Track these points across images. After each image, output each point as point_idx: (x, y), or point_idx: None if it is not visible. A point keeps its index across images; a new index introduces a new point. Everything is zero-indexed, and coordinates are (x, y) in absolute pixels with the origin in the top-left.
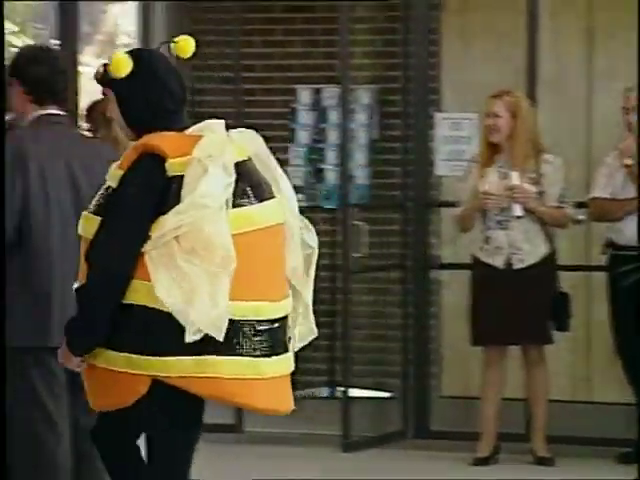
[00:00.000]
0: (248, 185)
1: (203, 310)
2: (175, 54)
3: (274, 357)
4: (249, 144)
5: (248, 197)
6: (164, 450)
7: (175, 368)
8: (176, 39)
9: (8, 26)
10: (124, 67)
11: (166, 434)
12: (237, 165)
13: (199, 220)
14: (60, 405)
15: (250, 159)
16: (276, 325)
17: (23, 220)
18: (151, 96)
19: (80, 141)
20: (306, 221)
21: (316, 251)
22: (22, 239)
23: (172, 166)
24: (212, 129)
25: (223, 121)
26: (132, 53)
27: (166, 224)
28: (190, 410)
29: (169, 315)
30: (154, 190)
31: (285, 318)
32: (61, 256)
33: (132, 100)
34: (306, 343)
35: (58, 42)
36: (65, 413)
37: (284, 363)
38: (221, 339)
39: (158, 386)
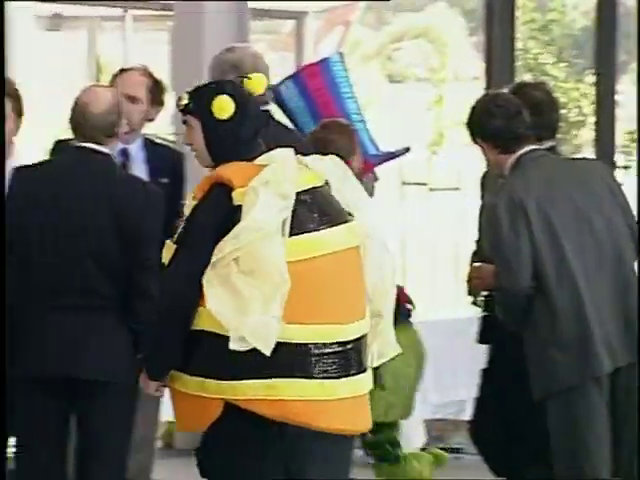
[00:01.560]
0: (317, 211)
1: (252, 322)
2: (248, 89)
3: (345, 378)
4: (327, 171)
5: (315, 223)
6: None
7: (245, 392)
8: (250, 75)
9: (546, 57)
10: (228, 109)
11: (233, 459)
12: (308, 191)
13: (253, 243)
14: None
15: (326, 185)
16: (348, 347)
17: (540, 267)
18: (239, 131)
19: (573, 166)
20: (383, 240)
21: (392, 270)
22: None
23: (237, 196)
24: (277, 158)
25: (291, 150)
26: (230, 85)
27: (224, 248)
28: (259, 436)
29: None
30: (220, 219)
31: (359, 339)
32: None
33: (220, 133)
34: (386, 359)
35: (594, 70)
36: (607, 445)
37: (358, 383)
38: (268, 353)
39: (230, 410)
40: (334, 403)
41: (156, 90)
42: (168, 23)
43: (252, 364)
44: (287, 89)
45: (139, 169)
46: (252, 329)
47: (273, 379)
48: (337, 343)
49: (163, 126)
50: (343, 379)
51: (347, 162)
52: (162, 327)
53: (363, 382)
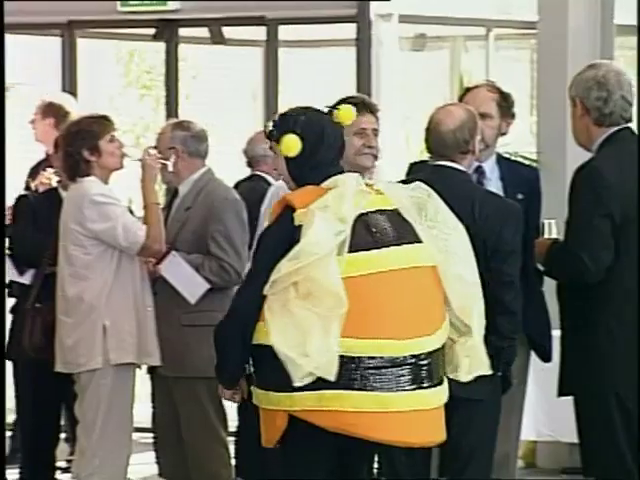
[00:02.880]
0: (377, 232)
1: (314, 356)
2: (337, 120)
3: (404, 392)
4: (396, 196)
5: (372, 242)
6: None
7: (300, 403)
8: (339, 107)
9: None
10: (294, 148)
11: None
12: (371, 213)
13: (310, 266)
14: None
15: (395, 210)
16: (408, 362)
17: None
18: (316, 159)
19: None
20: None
21: (477, 288)
22: None
23: (297, 216)
24: (340, 182)
25: (357, 175)
26: (302, 121)
27: (281, 269)
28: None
29: None
30: (281, 239)
31: (423, 355)
32: None
33: (299, 161)
34: (477, 375)
35: None
36: None
37: (422, 397)
38: (332, 379)
39: (294, 421)
40: (390, 415)
41: (505, 104)
42: (531, 41)
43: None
44: None
45: (494, 186)
46: (316, 364)
47: (324, 390)
48: (394, 358)
49: (521, 144)
50: (400, 392)
51: None
52: (222, 342)
53: (427, 396)
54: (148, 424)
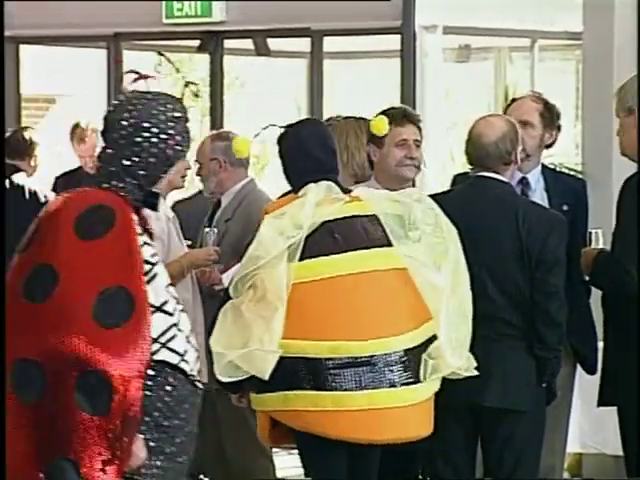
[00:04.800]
0: (340, 237)
1: (250, 354)
2: (372, 131)
3: (365, 391)
4: (377, 203)
5: (333, 247)
6: None
7: (270, 403)
8: (372, 118)
9: None
10: (242, 150)
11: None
12: (338, 220)
13: (260, 270)
14: None
15: (371, 216)
16: (372, 361)
17: None
18: (295, 167)
19: None
20: (440, 260)
21: (444, 290)
22: None
23: None
24: (308, 190)
25: (329, 183)
26: (283, 132)
27: (239, 273)
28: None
29: None
30: None
31: (384, 355)
32: None
33: (285, 169)
34: (444, 375)
35: None
36: None
37: (383, 396)
38: (266, 377)
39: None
40: (351, 413)
41: (549, 114)
42: (576, 52)
43: (272, 378)
44: None
45: (539, 197)
46: (245, 358)
47: (287, 391)
48: (352, 358)
49: (566, 156)
50: (360, 391)
51: None
52: (210, 347)
53: (394, 394)
54: None
